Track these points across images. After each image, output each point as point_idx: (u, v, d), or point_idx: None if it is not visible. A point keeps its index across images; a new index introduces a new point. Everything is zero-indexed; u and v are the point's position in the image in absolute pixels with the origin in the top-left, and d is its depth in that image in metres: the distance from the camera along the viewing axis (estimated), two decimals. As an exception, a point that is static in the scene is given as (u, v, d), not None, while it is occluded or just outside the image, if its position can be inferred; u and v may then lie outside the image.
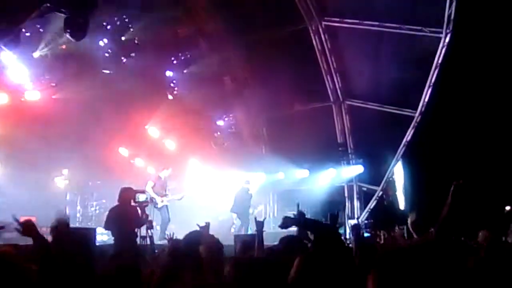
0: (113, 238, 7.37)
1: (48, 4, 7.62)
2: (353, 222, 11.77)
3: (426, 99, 13.18)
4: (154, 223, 9.29)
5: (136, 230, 7.59)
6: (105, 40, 12.03)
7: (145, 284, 3.38)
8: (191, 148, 15.10)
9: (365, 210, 15.14)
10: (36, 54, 10.76)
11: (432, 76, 12.76)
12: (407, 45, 12.60)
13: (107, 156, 13.10)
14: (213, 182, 15.24)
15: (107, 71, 12.40)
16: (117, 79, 12.13)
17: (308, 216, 4.72)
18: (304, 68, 14.21)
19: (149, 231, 8.06)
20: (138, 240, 7.68)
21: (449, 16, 11.52)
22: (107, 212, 7.80)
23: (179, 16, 13.02)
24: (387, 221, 12.70)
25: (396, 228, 12.02)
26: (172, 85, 14.52)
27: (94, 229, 8.91)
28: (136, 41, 12.56)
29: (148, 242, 7.96)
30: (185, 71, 14.27)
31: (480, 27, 10.95)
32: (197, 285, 3.13)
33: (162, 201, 10.95)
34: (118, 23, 12.06)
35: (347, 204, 15.63)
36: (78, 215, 13.69)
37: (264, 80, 14.38)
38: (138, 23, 12.13)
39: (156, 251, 7.72)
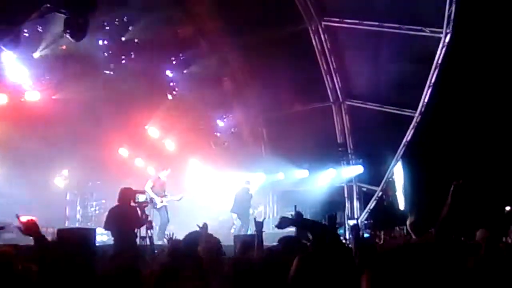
0: (113, 238, 7.36)
1: (48, 5, 7.61)
2: (352, 222, 11.75)
3: (426, 99, 13.14)
4: (153, 224, 9.30)
5: (135, 230, 7.59)
6: (105, 41, 12.05)
7: (145, 284, 3.39)
8: (191, 148, 15.07)
9: (365, 211, 15.11)
10: (36, 55, 10.79)
11: (432, 76, 12.73)
12: (407, 45, 12.57)
13: (107, 156, 13.09)
14: (213, 182, 15.22)
15: (107, 71, 12.41)
16: (117, 79, 12.17)
17: (307, 216, 4.73)
18: (303, 68, 14.18)
19: (148, 231, 8.09)
20: (137, 240, 7.69)
21: (449, 16, 11.50)
22: (107, 212, 7.79)
23: (179, 16, 13.05)
24: (386, 222, 12.73)
25: (396, 228, 12.07)
26: (172, 85, 14.53)
27: (94, 229, 8.88)
28: (136, 41, 12.58)
29: (148, 243, 7.98)
30: (185, 71, 14.28)
31: (480, 27, 10.93)
32: (197, 285, 3.14)
33: (161, 202, 10.98)
34: (118, 23, 12.09)
35: (346, 204, 15.58)
36: (78, 215, 13.71)
37: (264, 80, 14.38)
38: (138, 23, 12.16)
39: (155, 251, 7.75)
